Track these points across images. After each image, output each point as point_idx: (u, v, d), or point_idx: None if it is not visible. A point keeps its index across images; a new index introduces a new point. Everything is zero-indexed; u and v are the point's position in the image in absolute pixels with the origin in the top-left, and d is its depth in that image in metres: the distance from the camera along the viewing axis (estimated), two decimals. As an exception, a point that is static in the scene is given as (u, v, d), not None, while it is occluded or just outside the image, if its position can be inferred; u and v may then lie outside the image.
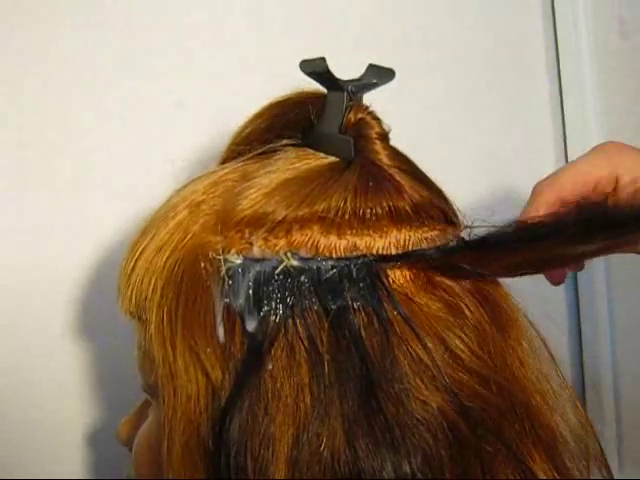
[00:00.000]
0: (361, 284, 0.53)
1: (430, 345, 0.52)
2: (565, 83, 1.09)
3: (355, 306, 0.52)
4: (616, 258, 1.07)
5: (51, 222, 0.88)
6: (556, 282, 0.74)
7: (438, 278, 0.56)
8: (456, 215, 0.59)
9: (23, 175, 0.88)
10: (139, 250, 0.57)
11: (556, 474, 0.55)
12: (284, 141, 0.61)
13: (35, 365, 0.87)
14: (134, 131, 0.92)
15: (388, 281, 0.54)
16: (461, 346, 0.54)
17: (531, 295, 0.99)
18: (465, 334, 0.54)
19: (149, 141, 0.92)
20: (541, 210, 0.67)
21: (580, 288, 1.10)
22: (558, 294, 1.11)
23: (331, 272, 0.53)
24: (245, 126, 0.64)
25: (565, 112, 1.09)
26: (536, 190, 0.69)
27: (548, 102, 1.11)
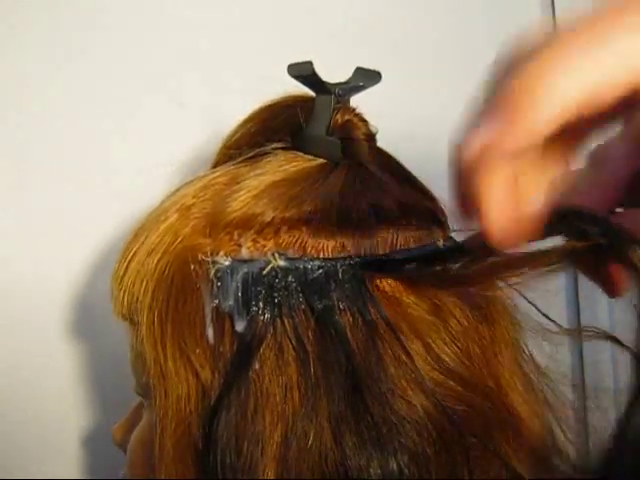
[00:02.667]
0: (347, 285, 0.53)
1: (414, 348, 0.53)
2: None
3: (341, 306, 0.53)
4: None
5: (51, 222, 0.88)
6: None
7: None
8: (444, 215, 0.60)
9: (23, 175, 0.88)
10: (131, 253, 0.58)
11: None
12: (274, 144, 0.61)
13: (33, 366, 0.87)
14: (134, 131, 0.92)
15: (373, 284, 0.54)
16: (446, 350, 0.54)
17: (530, 296, 0.99)
18: (450, 338, 0.54)
19: (149, 142, 0.92)
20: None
21: (580, 289, 1.10)
22: (558, 294, 1.11)
23: (318, 272, 0.53)
24: (235, 130, 0.64)
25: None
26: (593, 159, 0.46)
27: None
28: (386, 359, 0.52)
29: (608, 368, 1.09)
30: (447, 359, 0.54)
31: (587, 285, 1.07)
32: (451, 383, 0.53)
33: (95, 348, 0.90)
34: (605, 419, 1.09)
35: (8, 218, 0.87)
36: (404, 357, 0.52)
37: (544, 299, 1.06)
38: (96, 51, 0.90)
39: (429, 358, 0.53)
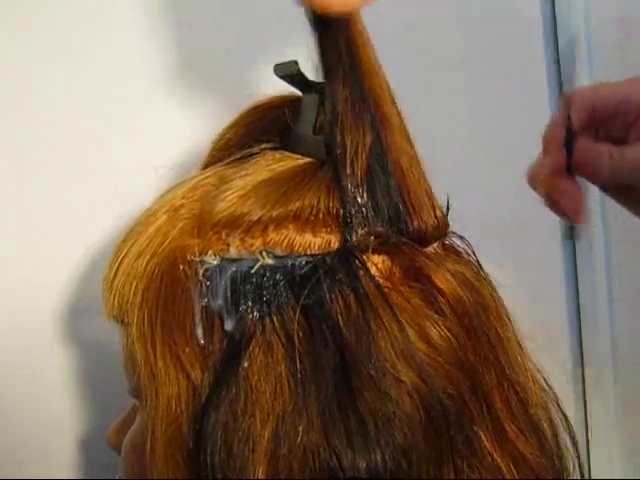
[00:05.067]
0: (336, 267, 0.54)
1: (404, 321, 0.53)
2: (565, 84, 1.09)
3: (332, 295, 0.53)
4: (618, 255, 1.07)
5: (51, 222, 0.88)
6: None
7: (415, 270, 0.56)
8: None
9: (23, 175, 0.88)
10: (121, 255, 0.58)
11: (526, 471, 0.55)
12: (262, 145, 0.62)
13: (31, 366, 0.87)
14: (134, 132, 0.92)
15: (363, 259, 0.54)
16: (436, 330, 0.54)
17: (531, 294, 0.99)
18: (441, 321, 0.55)
19: (149, 142, 0.92)
20: (576, 114, 0.62)
21: (580, 286, 1.10)
22: (558, 289, 1.11)
23: (306, 267, 0.54)
24: (224, 132, 0.65)
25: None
26: (571, 98, 0.63)
27: (547, 103, 1.10)
28: (377, 333, 0.52)
29: (608, 365, 1.09)
30: (437, 338, 0.54)
31: (587, 281, 1.08)
32: (440, 359, 0.54)
33: (94, 349, 0.90)
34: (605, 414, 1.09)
35: (8, 218, 0.87)
36: (396, 329, 0.52)
37: (544, 295, 1.06)
38: (96, 51, 0.90)
39: (419, 332, 0.54)
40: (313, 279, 0.53)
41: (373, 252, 0.55)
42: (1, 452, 0.88)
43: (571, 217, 0.63)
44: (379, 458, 0.50)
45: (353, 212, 0.55)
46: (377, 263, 0.56)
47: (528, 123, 1.10)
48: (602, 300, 1.07)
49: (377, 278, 0.54)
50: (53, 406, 0.89)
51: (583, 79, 1.07)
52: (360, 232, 0.55)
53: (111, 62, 0.91)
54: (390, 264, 0.56)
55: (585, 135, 0.62)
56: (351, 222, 0.55)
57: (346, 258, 0.54)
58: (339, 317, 0.52)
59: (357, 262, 0.54)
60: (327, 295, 0.53)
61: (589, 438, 1.11)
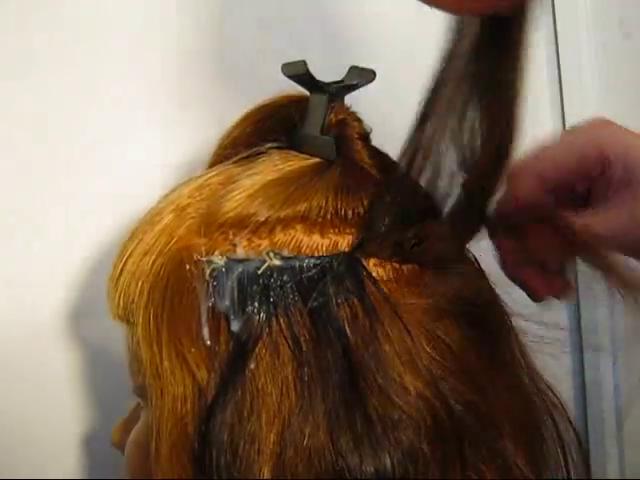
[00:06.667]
0: (343, 276, 0.53)
1: (410, 329, 0.53)
2: (565, 84, 1.09)
3: (338, 301, 0.53)
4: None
5: (51, 222, 0.88)
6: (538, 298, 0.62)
7: (423, 276, 0.56)
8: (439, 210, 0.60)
9: (23, 175, 0.88)
10: (127, 254, 0.58)
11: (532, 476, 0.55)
12: (269, 144, 0.61)
13: (32, 366, 0.87)
14: (134, 132, 0.92)
15: (369, 269, 0.54)
16: (443, 337, 0.54)
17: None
18: (448, 330, 0.55)
19: (149, 142, 0.92)
20: (520, 193, 0.58)
21: (580, 289, 1.10)
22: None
23: (313, 270, 0.54)
24: (231, 131, 0.65)
25: (565, 113, 1.09)
26: (513, 172, 0.59)
27: (548, 102, 1.10)
28: (384, 342, 0.52)
29: (608, 371, 1.09)
30: (443, 344, 0.54)
31: (587, 286, 1.08)
32: (446, 365, 0.54)
33: (95, 348, 0.90)
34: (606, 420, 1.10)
35: (8, 218, 0.87)
36: (401, 335, 0.52)
37: (544, 301, 1.06)
38: (96, 51, 0.90)
39: (425, 339, 0.54)
40: (320, 282, 0.53)
41: (380, 257, 0.55)
42: (1, 452, 0.87)
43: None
44: (387, 461, 0.50)
45: (371, 216, 0.55)
46: (384, 269, 0.56)
47: (529, 127, 1.11)
48: (602, 299, 1.07)
49: (384, 284, 0.55)
50: (54, 406, 0.89)
51: (585, 84, 1.07)
52: (369, 237, 0.55)
53: (111, 62, 0.90)
54: (397, 269, 0.56)
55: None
56: (365, 226, 0.55)
57: (353, 264, 0.54)
58: (345, 323, 0.52)
59: (364, 269, 0.54)
60: (333, 300, 0.53)
61: (589, 438, 1.11)
